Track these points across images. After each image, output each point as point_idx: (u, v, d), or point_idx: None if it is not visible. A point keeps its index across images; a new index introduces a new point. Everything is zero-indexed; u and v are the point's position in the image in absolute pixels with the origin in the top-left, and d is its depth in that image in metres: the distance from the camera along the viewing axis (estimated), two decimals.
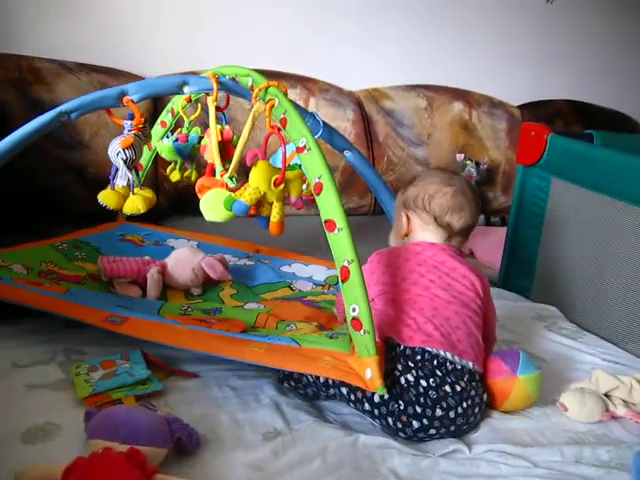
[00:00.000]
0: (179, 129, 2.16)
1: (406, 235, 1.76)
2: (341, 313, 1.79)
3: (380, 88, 3.48)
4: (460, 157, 3.44)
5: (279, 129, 1.65)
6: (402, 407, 1.43)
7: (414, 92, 3.52)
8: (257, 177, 1.63)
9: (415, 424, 1.43)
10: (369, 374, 1.39)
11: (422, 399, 1.43)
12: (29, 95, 2.67)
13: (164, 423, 1.28)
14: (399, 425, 1.44)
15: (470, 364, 1.52)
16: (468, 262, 1.72)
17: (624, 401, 1.62)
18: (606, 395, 1.63)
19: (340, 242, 1.44)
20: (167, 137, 2.17)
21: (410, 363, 1.46)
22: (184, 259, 2.12)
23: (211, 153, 1.86)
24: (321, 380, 1.51)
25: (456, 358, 1.49)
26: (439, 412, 1.43)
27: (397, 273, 1.63)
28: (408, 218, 1.75)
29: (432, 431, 1.44)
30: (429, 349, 1.48)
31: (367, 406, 1.46)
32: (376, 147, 3.35)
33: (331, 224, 1.45)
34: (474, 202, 1.75)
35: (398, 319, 1.53)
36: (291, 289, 2.20)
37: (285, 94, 1.68)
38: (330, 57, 3.40)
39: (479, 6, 3.70)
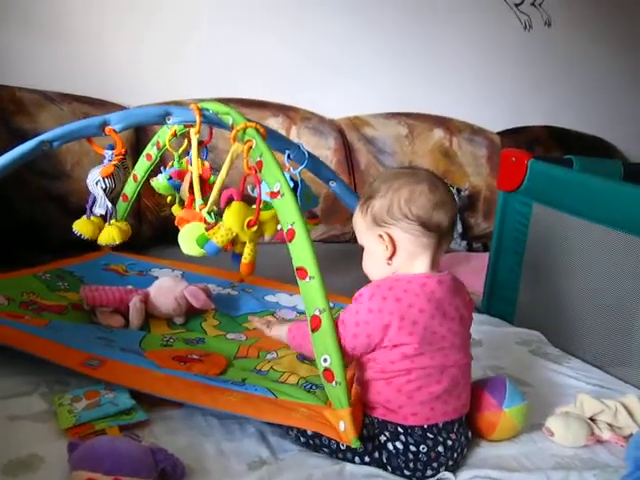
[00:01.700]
0: (170, 163, 2.16)
1: (391, 257, 1.48)
2: (300, 346, 1.61)
3: (361, 116, 3.51)
4: None
5: (256, 170, 1.65)
6: (389, 470, 1.41)
7: (395, 120, 3.55)
8: (230, 218, 1.64)
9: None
10: (342, 427, 1.37)
11: (412, 464, 1.40)
12: (11, 125, 2.67)
13: (148, 453, 1.27)
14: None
15: (464, 414, 1.51)
16: (462, 287, 1.59)
17: (609, 425, 1.62)
18: (591, 419, 1.63)
19: (311, 290, 1.43)
20: (161, 172, 2.17)
21: (399, 429, 1.42)
22: (167, 288, 2.11)
23: (187, 189, 1.89)
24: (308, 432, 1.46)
25: (451, 417, 1.46)
26: (430, 472, 1.41)
27: (412, 330, 1.40)
28: (389, 236, 1.46)
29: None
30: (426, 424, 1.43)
31: (355, 460, 1.44)
32: (358, 175, 3.37)
33: (302, 272, 1.44)
34: (449, 190, 1.52)
35: (400, 397, 1.42)
36: (274, 317, 2.19)
37: (263, 136, 1.68)
38: (311, 85, 3.43)
39: (459, 35, 3.75)
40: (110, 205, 1.89)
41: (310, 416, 1.43)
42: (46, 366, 1.64)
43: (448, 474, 1.42)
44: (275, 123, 3.12)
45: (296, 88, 3.37)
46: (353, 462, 1.43)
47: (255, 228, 1.65)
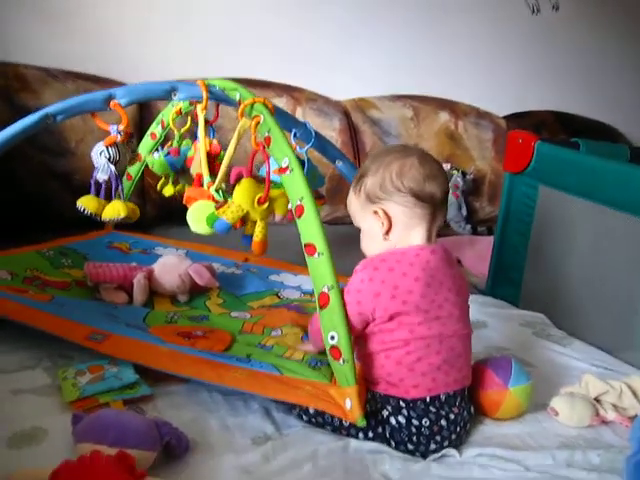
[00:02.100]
0: (169, 142, 2.15)
1: (388, 232, 1.49)
2: (317, 341, 1.58)
3: (367, 98, 3.50)
4: (446, 167, 3.45)
5: (264, 146, 1.63)
6: (393, 445, 1.41)
7: (400, 102, 3.54)
8: (240, 195, 1.63)
9: (407, 455, 1.42)
10: (349, 405, 1.37)
11: (415, 438, 1.40)
12: (15, 102, 2.66)
13: (153, 426, 1.27)
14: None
15: (465, 386, 1.50)
16: (454, 259, 1.58)
17: (614, 405, 1.62)
18: (596, 400, 1.63)
19: (320, 267, 1.41)
20: (158, 151, 2.16)
21: (401, 403, 1.42)
22: (171, 265, 2.10)
23: (197, 166, 1.86)
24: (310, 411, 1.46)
25: (452, 389, 1.45)
26: (433, 446, 1.41)
27: (406, 299, 1.41)
28: (384, 211, 1.48)
29: (426, 456, 1.42)
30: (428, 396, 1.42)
31: (359, 436, 1.44)
32: (363, 157, 3.35)
33: (311, 248, 1.43)
34: (439, 164, 1.53)
35: (400, 370, 1.42)
36: (278, 297, 2.19)
37: (271, 111, 1.67)
38: (317, 66, 3.41)
39: (466, 18, 3.73)
40: (114, 170, 1.84)
41: (315, 394, 1.42)
42: (49, 341, 1.64)
43: (453, 451, 1.42)
44: (280, 104, 3.09)
45: (301, 69, 3.36)
46: (357, 438, 1.43)
47: (266, 205, 1.63)
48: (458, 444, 1.45)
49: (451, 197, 3.43)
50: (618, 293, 2.00)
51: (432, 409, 1.41)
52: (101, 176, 1.87)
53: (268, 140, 1.62)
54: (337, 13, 3.43)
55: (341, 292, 1.40)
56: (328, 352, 1.41)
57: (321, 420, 1.45)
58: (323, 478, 1.29)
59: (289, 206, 1.67)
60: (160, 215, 2.86)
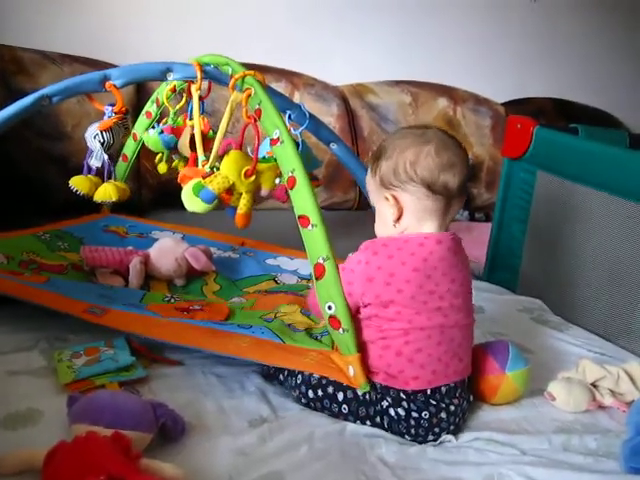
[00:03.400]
0: (164, 119, 2.14)
1: (398, 219, 1.46)
2: (318, 314, 1.57)
3: (365, 83, 3.48)
4: None
5: (255, 119, 1.63)
6: (388, 437, 1.40)
7: (398, 88, 3.52)
8: (227, 166, 1.63)
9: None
10: (352, 372, 1.40)
11: (413, 430, 1.40)
12: (11, 85, 2.65)
13: (149, 408, 1.26)
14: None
15: (466, 377, 1.50)
16: (461, 247, 1.54)
17: (611, 391, 1.62)
18: (593, 385, 1.63)
19: (314, 238, 1.41)
20: (153, 128, 2.15)
21: (402, 395, 1.41)
22: (167, 249, 2.10)
23: (183, 145, 1.90)
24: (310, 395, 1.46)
25: (453, 380, 1.45)
26: (431, 437, 1.41)
27: (402, 288, 1.39)
28: (395, 198, 1.45)
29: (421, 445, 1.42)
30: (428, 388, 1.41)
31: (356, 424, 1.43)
32: (360, 142, 3.34)
33: (305, 220, 1.42)
34: (460, 150, 1.47)
35: (400, 361, 1.40)
36: (275, 282, 2.18)
37: (262, 84, 1.66)
38: (315, 52, 3.40)
39: (464, 3, 3.71)
40: (107, 158, 1.85)
41: (320, 361, 1.44)
42: (46, 323, 1.64)
43: (449, 436, 1.42)
44: (278, 88, 3.04)
45: (299, 54, 3.34)
46: (355, 422, 1.43)
47: (252, 178, 1.63)
48: (456, 432, 1.45)
49: None
50: (616, 279, 1.99)
51: (432, 402, 1.40)
52: (94, 163, 1.88)
53: (259, 112, 1.61)
54: None
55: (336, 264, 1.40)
56: (327, 322, 1.42)
57: (319, 405, 1.45)
58: (319, 461, 1.29)
59: (276, 181, 1.69)
60: (156, 199, 2.85)
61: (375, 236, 1.53)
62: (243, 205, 1.65)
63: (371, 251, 1.42)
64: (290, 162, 1.48)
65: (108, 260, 2.03)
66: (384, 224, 1.51)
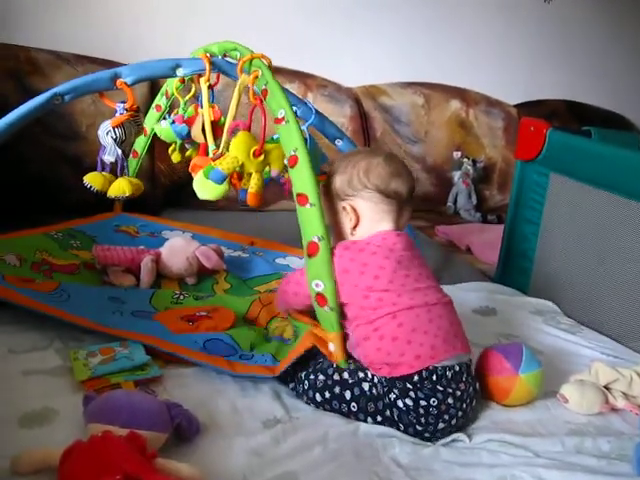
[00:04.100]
0: (175, 110, 2.15)
1: (355, 226, 1.57)
2: (282, 302, 1.72)
3: (378, 85, 3.49)
4: (457, 155, 3.45)
5: (261, 100, 1.66)
6: (401, 428, 1.42)
7: (411, 89, 3.53)
8: (236, 147, 1.64)
9: (417, 436, 1.42)
10: (332, 347, 1.48)
11: (422, 419, 1.40)
12: (26, 85, 2.66)
13: (164, 408, 1.27)
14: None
15: (466, 357, 1.50)
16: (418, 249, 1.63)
17: (624, 393, 1.62)
18: (606, 387, 1.62)
19: (311, 217, 1.47)
20: (165, 119, 2.16)
21: (408, 385, 1.41)
22: (178, 248, 2.11)
23: (197, 132, 1.90)
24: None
25: (454, 360, 1.45)
26: (441, 425, 1.42)
27: (378, 274, 1.47)
28: (351, 207, 1.56)
29: (434, 437, 1.43)
30: (429, 366, 1.41)
31: (367, 420, 1.45)
32: (373, 143, 3.35)
33: (303, 198, 1.48)
34: (404, 165, 1.64)
35: (398, 345, 1.42)
36: None
37: (269, 67, 1.69)
38: (328, 53, 3.41)
39: (477, 5, 3.71)
40: (120, 152, 1.88)
41: (303, 340, 1.52)
42: (61, 323, 1.64)
43: (462, 436, 1.43)
44: (291, 90, 3.05)
45: (313, 55, 3.34)
46: (365, 422, 1.43)
47: (261, 158, 1.65)
48: (466, 421, 1.47)
49: (461, 185, 3.44)
50: (629, 282, 1.99)
51: (439, 387, 1.41)
52: (108, 158, 1.91)
53: (265, 92, 1.64)
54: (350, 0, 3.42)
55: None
56: (314, 299, 1.49)
57: (329, 407, 1.46)
58: (333, 461, 1.29)
59: (285, 161, 1.70)
60: (168, 199, 2.86)
61: None
62: (254, 184, 1.66)
63: (342, 247, 1.52)
64: (293, 141, 1.53)
65: (120, 259, 2.04)
66: (342, 235, 1.61)
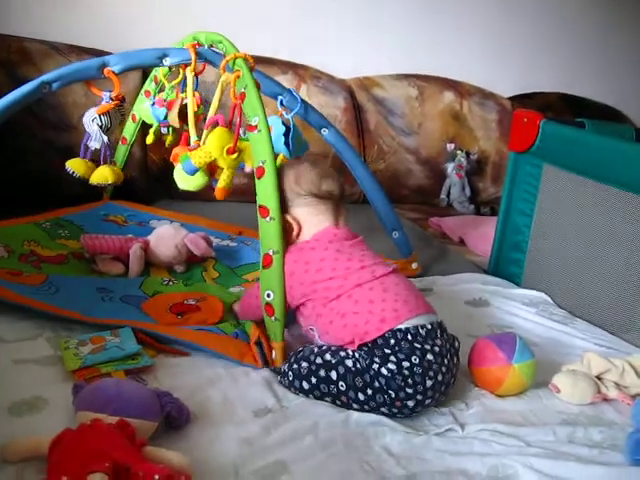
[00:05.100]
0: (161, 93, 2.16)
1: (298, 234, 1.64)
2: (245, 316, 1.76)
3: (371, 76, 3.48)
4: (451, 147, 3.45)
5: (242, 100, 1.67)
6: (393, 395, 1.41)
7: (405, 81, 3.52)
8: (211, 142, 1.67)
9: (410, 403, 1.41)
10: (274, 355, 1.56)
11: (410, 380, 1.40)
12: (17, 76, 2.63)
13: (154, 397, 1.26)
14: (394, 410, 1.42)
15: (434, 317, 1.52)
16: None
17: (616, 384, 1.62)
18: (598, 377, 1.63)
19: (270, 230, 1.54)
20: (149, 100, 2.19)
21: (386, 350, 1.42)
22: (167, 236, 2.11)
23: (174, 114, 1.97)
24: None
25: (424, 319, 1.47)
26: (429, 382, 1.41)
27: (320, 267, 1.55)
28: (292, 217, 1.63)
29: (428, 401, 1.43)
30: (400, 327, 1.44)
31: (355, 406, 1.44)
32: (367, 136, 3.34)
33: (264, 210, 1.54)
34: (330, 167, 1.75)
35: (361, 316, 1.47)
36: None
37: (251, 69, 1.71)
38: (321, 45, 3.39)
39: None
40: (106, 139, 1.92)
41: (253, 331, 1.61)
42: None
43: (455, 426, 1.42)
44: (284, 80, 3.06)
45: (306, 47, 3.33)
46: (357, 401, 1.43)
47: (234, 156, 1.66)
48: (450, 379, 1.48)
49: (455, 177, 3.43)
50: (622, 273, 1.99)
51: (416, 345, 1.42)
52: (94, 144, 1.96)
53: (243, 96, 1.66)
54: None
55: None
56: (263, 308, 1.57)
57: (319, 393, 1.45)
58: (324, 451, 1.28)
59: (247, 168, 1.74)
60: (161, 190, 2.85)
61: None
62: (222, 180, 1.68)
63: (286, 252, 1.58)
64: (263, 152, 1.57)
65: (109, 247, 2.05)
66: (289, 243, 1.65)
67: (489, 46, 3.81)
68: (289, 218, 1.63)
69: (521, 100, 3.77)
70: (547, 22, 3.92)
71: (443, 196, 3.50)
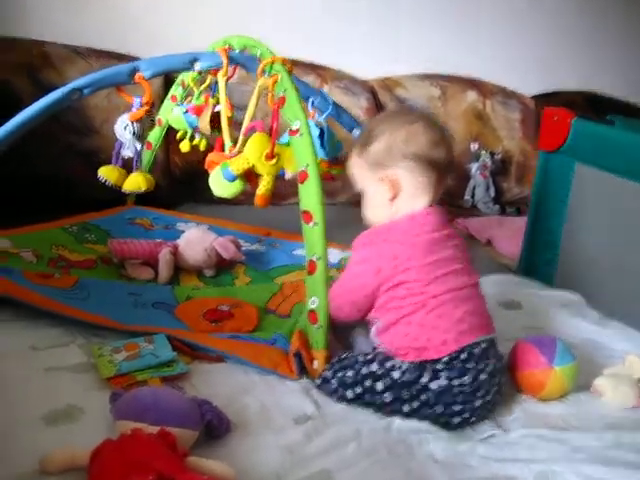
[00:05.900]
0: (189, 98, 2.14)
1: (394, 198, 1.49)
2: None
3: (394, 77, 3.46)
4: (474, 146, 3.42)
5: (279, 106, 1.65)
6: (438, 411, 1.39)
7: (427, 81, 3.50)
8: (249, 149, 1.64)
9: (456, 420, 1.39)
10: (315, 364, 1.50)
11: (459, 398, 1.38)
12: (39, 80, 2.65)
13: (195, 405, 1.24)
14: (440, 424, 1.40)
15: (492, 336, 1.48)
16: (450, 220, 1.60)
17: None
18: None
19: (313, 236, 1.50)
20: (178, 106, 2.15)
21: (437, 367, 1.39)
22: (196, 240, 2.10)
23: (205, 121, 1.95)
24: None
25: (481, 338, 1.43)
26: (478, 402, 1.39)
27: (399, 265, 1.44)
28: (390, 178, 1.48)
29: (473, 419, 1.41)
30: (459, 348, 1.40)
31: (398, 417, 1.41)
32: None
33: (308, 216, 1.50)
34: (443, 129, 1.57)
35: (425, 331, 1.41)
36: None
37: (289, 72, 1.68)
38: (343, 45, 3.38)
39: None
40: (139, 147, 1.90)
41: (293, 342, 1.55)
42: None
43: (499, 431, 1.40)
44: (306, 82, 3.06)
45: (328, 47, 3.31)
46: (402, 412, 1.40)
47: (273, 161, 1.63)
48: (497, 396, 1.45)
49: (479, 178, 3.40)
50: None
51: (468, 366, 1.39)
52: (127, 153, 1.92)
53: (282, 100, 1.63)
54: None
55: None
56: (306, 315, 1.52)
57: (362, 403, 1.43)
58: (367, 458, 1.26)
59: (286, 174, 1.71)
60: (185, 193, 2.83)
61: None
62: (262, 186, 1.66)
63: (368, 243, 1.50)
64: (305, 156, 1.53)
65: (137, 252, 2.03)
66: (378, 206, 1.53)
67: (511, 45, 3.77)
68: (385, 178, 1.48)
69: (544, 99, 3.72)
70: (569, 20, 3.88)
71: (467, 197, 3.46)
